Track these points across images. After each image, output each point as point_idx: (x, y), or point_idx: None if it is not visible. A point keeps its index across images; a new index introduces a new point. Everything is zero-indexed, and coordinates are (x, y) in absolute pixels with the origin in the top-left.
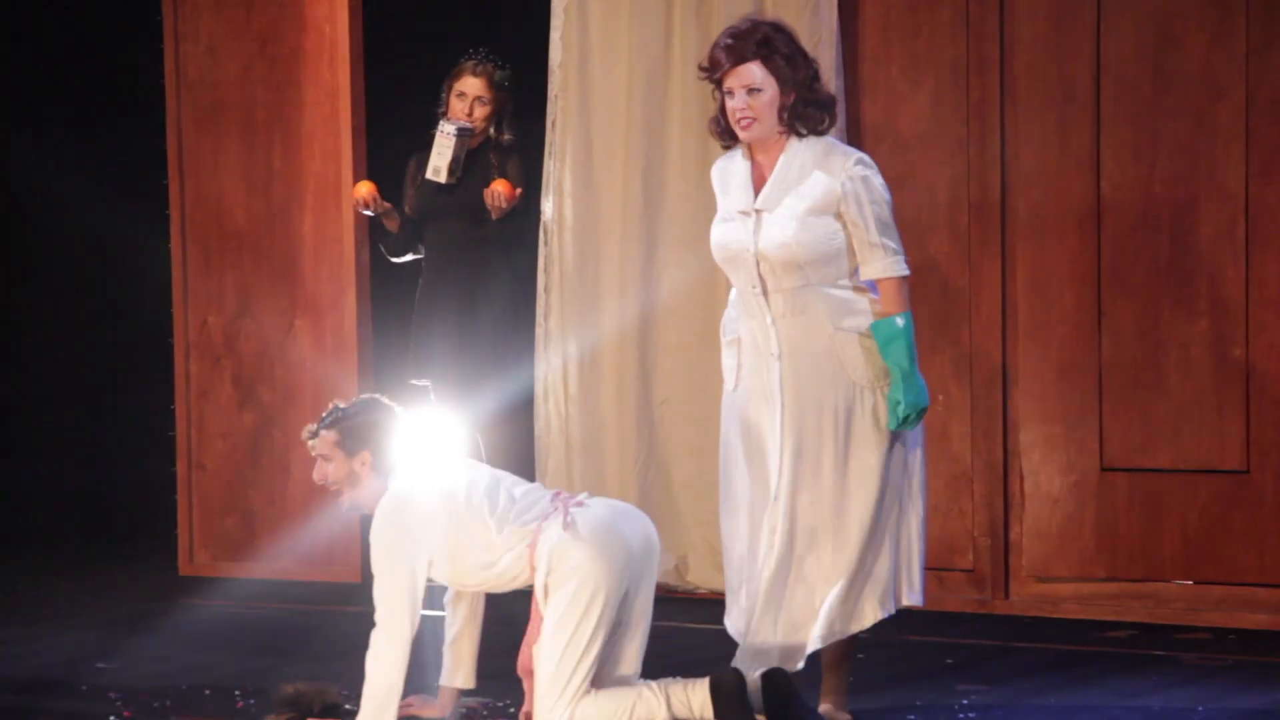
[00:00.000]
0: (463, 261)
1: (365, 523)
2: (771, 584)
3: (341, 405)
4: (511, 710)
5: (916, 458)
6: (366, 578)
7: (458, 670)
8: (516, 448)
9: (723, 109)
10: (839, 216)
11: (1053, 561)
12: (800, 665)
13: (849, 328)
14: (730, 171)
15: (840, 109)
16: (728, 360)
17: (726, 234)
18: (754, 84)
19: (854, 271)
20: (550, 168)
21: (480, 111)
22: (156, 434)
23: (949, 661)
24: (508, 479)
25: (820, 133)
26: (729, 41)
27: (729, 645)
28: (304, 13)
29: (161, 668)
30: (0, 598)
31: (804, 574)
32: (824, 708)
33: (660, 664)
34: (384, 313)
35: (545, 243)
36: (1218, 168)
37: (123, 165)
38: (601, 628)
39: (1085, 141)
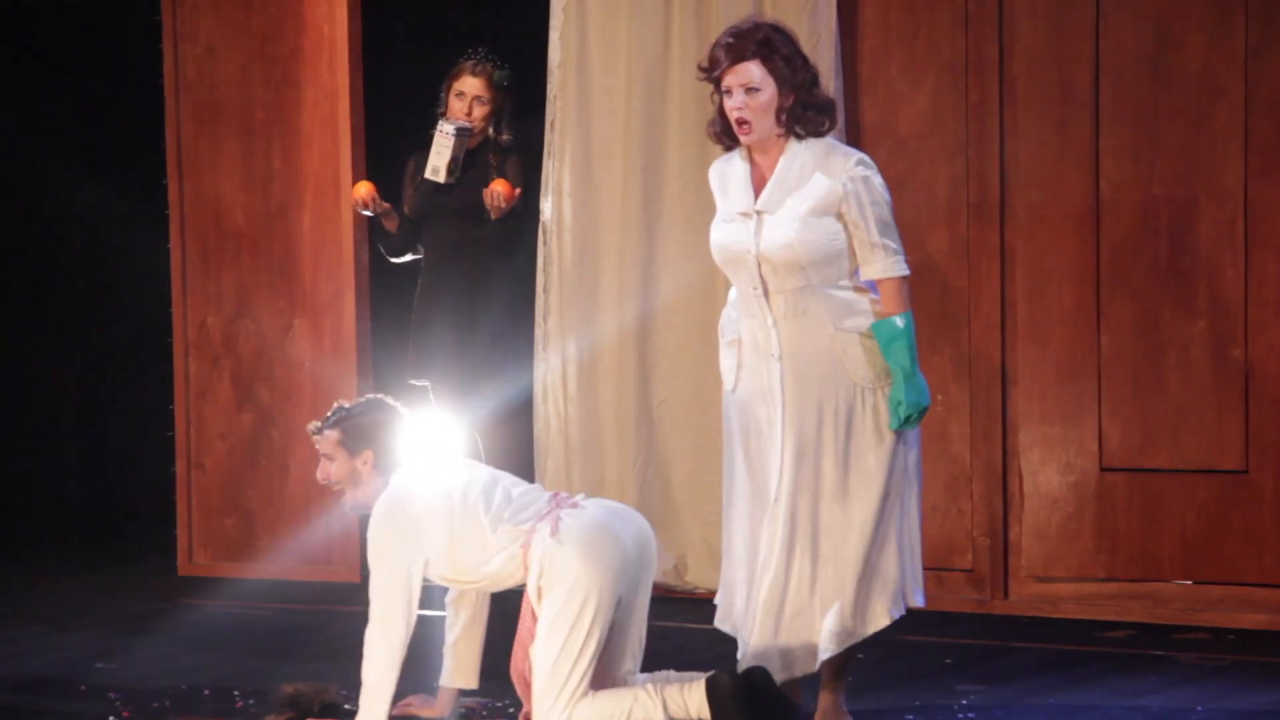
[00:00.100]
0: (462, 262)
1: (364, 523)
2: (773, 587)
3: (345, 405)
4: (511, 710)
5: (915, 458)
6: (366, 578)
7: (459, 671)
8: (516, 448)
9: (721, 110)
10: (840, 217)
11: (1052, 561)
12: (814, 668)
13: (850, 328)
14: (729, 173)
15: (839, 109)
16: (727, 361)
17: (727, 235)
18: (752, 83)
19: (854, 272)
20: (549, 168)
21: (479, 111)
22: (155, 434)
23: (948, 661)
24: (507, 479)
25: (820, 135)
26: (729, 40)
27: (728, 646)
28: (303, 13)
29: (161, 668)
30: None
31: (806, 576)
32: (822, 707)
33: (659, 664)
34: (383, 313)
35: (544, 243)
36: (1217, 168)
37: (122, 165)
38: (596, 629)
39: (1084, 142)
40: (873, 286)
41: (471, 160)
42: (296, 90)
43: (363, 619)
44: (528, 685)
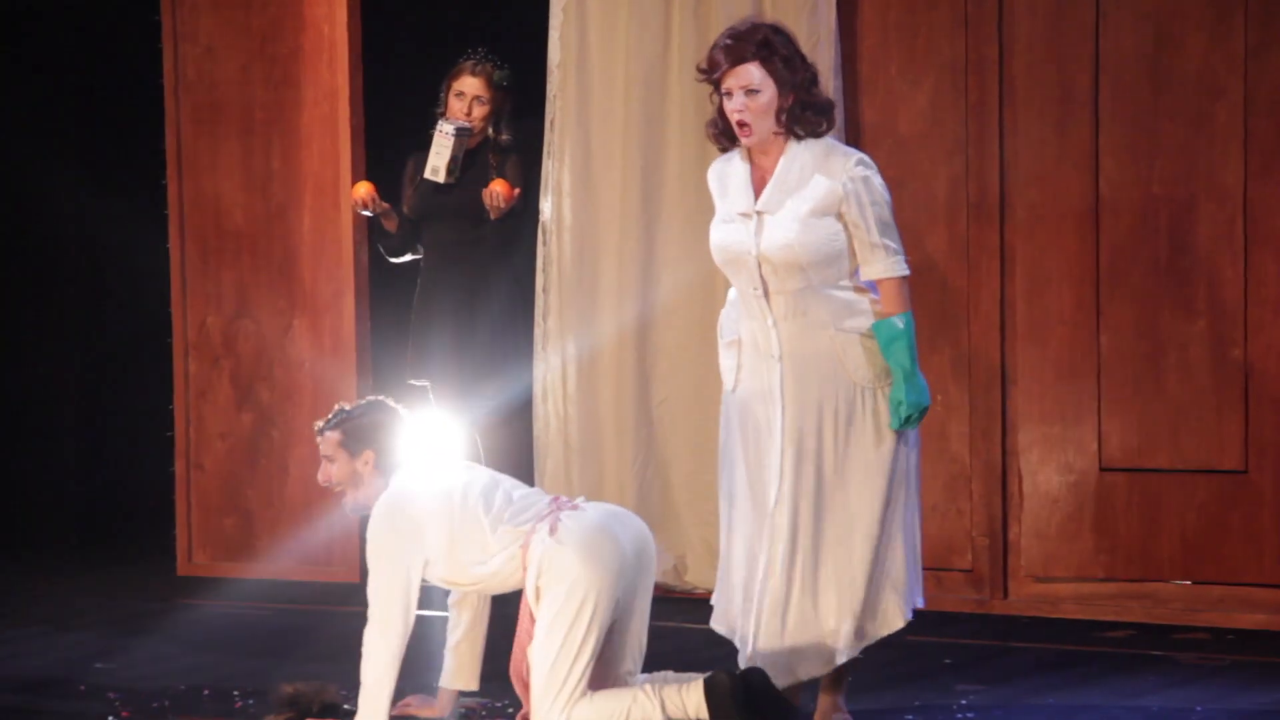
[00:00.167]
0: (461, 262)
1: (364, 523)
2: (777, 590)
3: (346, 407)
4: (510, 710)
5: (914, 458)
6: (365, 578)
7: (459, 673)
8: (515, 448)
9: (720, 111)
10: (840, 217)
11: (1051, 562)
12: (824, 671)
13: (850, 329)
14: (728, 174)
15: (839, 109)
16: (726, 361)
17: (727, 236)
18: (752, 85)
19: (854, 272)
20: (549, 168)
21: (479, 111)
22: (155, 434)
23: (947, 661)
24: (507, 481)
25: (819, 136)
26: (728, 42)
27: (726, 646)
28: (303, 13)
29: (160, 668)
30: None
31: (810, 578)
32: (822, 707)
33: (658, 664)
34: (382, 313)
35: (544, 243)
36: (1216, 168)
37: (121, 165)
38: (594, 630)
39: (1084, 141)
40: (872, 287)
41: (471, 160)
42: (296, 90)
43: (362, 619)
44: (526, 686)
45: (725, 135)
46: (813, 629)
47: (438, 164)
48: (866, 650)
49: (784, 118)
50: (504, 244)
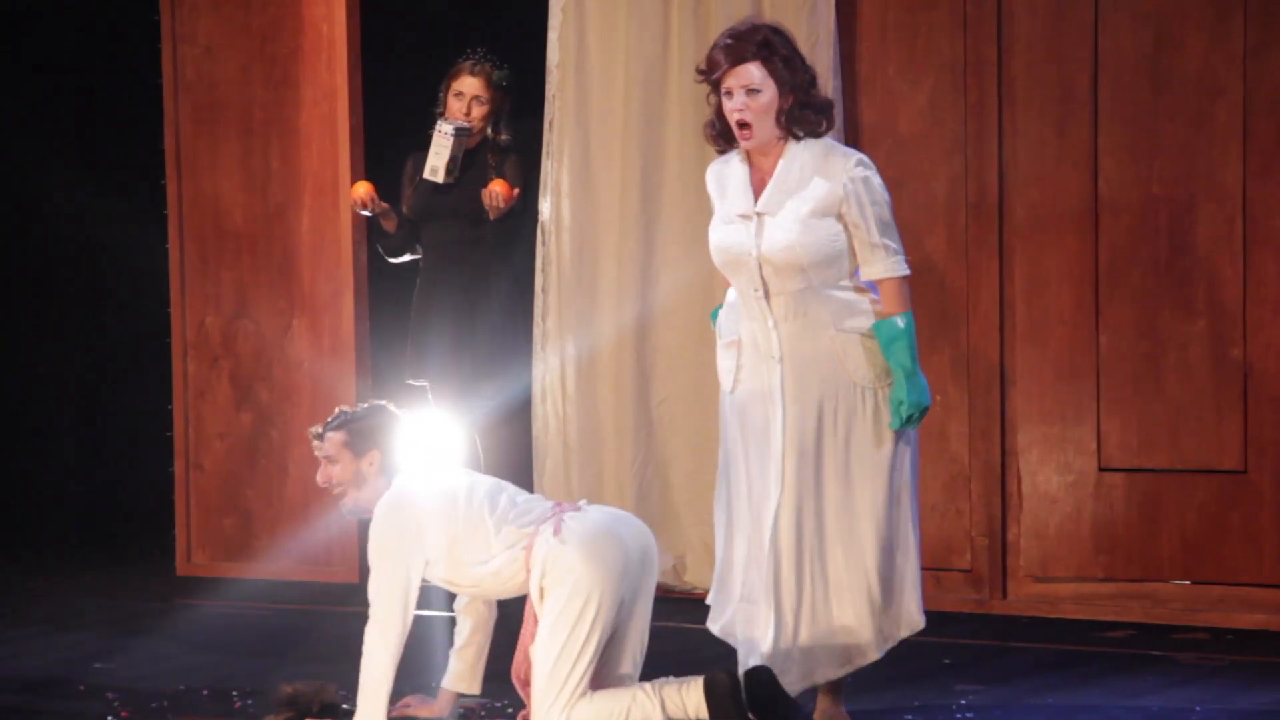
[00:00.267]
0: (460, 262)
1: (363, 523)
2: (787, 592)
3: (347, 409)
4: (510, 710)
5: (913, 459)
6: (364, 578)
7: (462, 675)
8: (514, 448)
9: (719, 112)
10: (840, 218)
11: (1050, 562)
12: (839, 675)
13: (850, 329)
14: (727, 175)
15: (838, 109)
16: (725, 362)
17: (728, 237)
18: (753, 84)
19: (854, 272)
20: (548, 168)
21: (478, 111)
22: (154, 434)
23: (947, 661)
24: (510, 486)
25: (818, 136)
26: (728, 42)
27: (725, 646)
28: (302, 13)
29: (159, 668)
30: None
31: (821, 579)
32: (821, 707)
33: (657, 664)
34: (382, 313)
35: (543, 243)
36: (1216, 168)
37: (121, 165)
38: (596, 631)
39: (1083, 141)
40: (872, 287)
41: (470, 160)
42: (295, 90)
43: (361, 619)
44: (526, 686)
45: (723, 136)
46: (827, 631)
47: (437, 164)
48: None
49: (783, 118)
50: (503, 244)
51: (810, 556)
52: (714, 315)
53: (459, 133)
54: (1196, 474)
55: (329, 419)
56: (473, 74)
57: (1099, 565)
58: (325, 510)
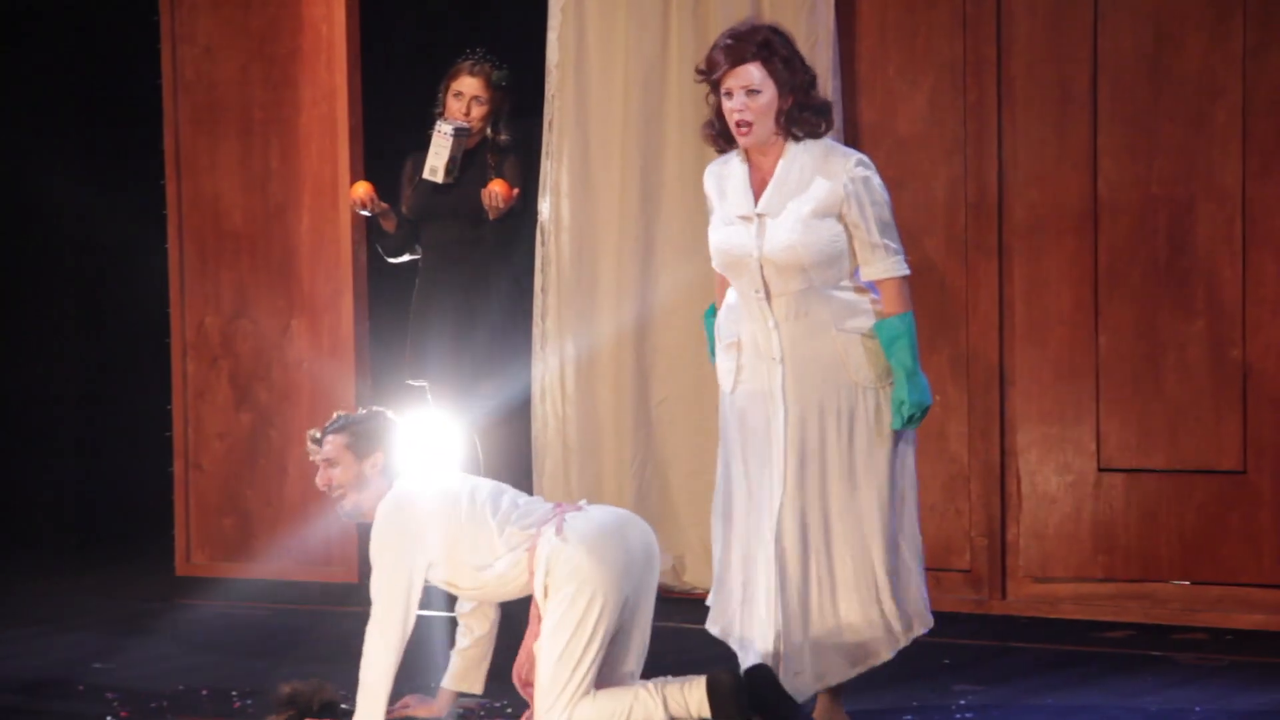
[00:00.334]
0: (460, 262)
1: (363, 524)
2: (794, 595)
3: (347, 414)
4: (510, 710)
5: (913, 458)
6: (363, 578)
7: (464, 676)
8: (514, 448)
9: (718, 112)
10: (841, 218)
11: (1050, 562)
12: (850, 676)
13: (851, 329)
14: (726, 176)
15: (837, 109)
16: (725, 363)
17: (729, 238)
18: (753, 85)
19: (854, 272)
20: (547, 168)
21: (477, 111)
22: (153, 434)
23: (946, 662)
24: (510, 489)
25: (817, 137)
26: (728, 42)
27: (724, 646)
28: (301, 13)
29: (159, 668)
30: None
31: (828, 580)
32: (821, 707)
33: (656, 664)
34: (381, 313)
35: (542, 243)
36: (1215, 168)
37: (120, 165)
38: (600, 630)
39: (1082, 142)
40: (872, 287)
41: (470, 160)
42: (295, 90)
43: (360, 620)
44: (526, 686)
45: (723, 137)
46: (837, 632)
47: (436, 164)
48: None
49: (783, 119)
50: (502, 244)
51: (816, 558)
52: (707, 315)
53: (458, 133)
54: (1195, 474)
55: (328, 423)
56: (472, 74)
57: (1098, 565)
58: (324, 510)
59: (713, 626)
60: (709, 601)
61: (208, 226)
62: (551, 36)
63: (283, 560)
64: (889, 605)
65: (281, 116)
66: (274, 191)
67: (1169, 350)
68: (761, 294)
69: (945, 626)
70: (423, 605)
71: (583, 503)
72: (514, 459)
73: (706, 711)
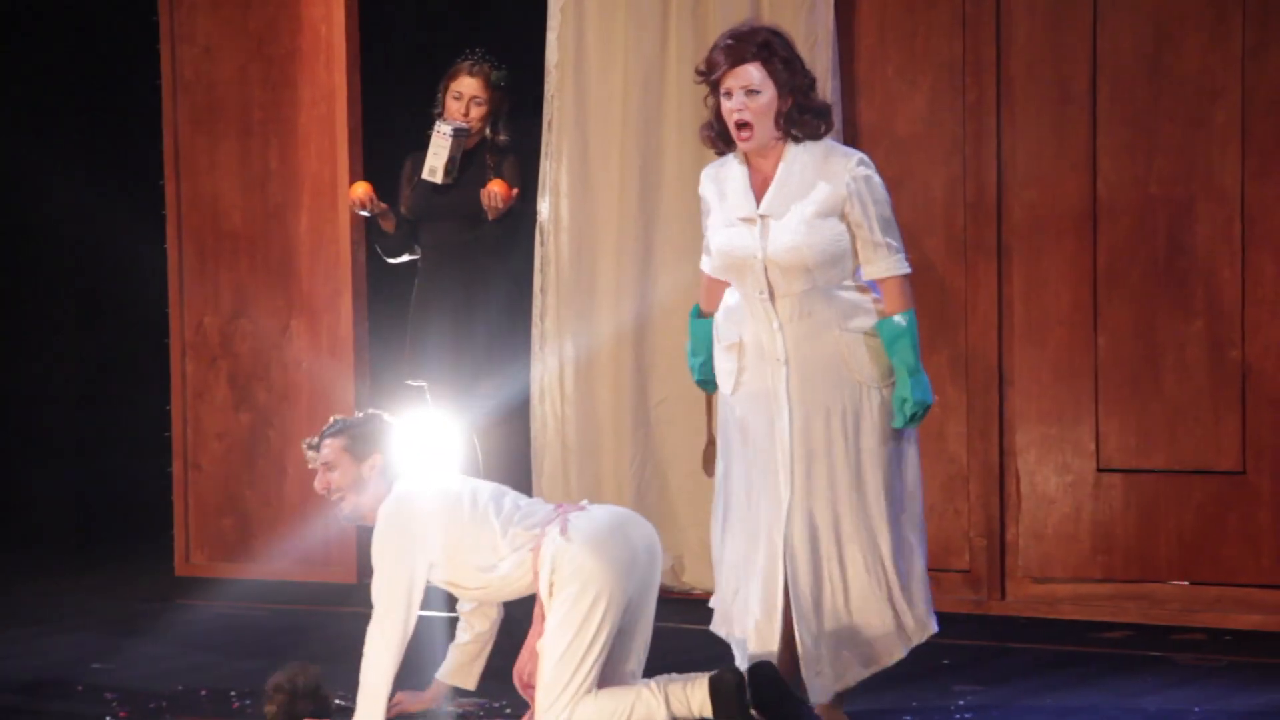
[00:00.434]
0: (459, 262)
1: (362, 526)
2: (806, 597)
3: (344, 418)
4: (509, 711)
5: (916, 457)
6: (362, 579)
7: (459, 670)
8: (513, 449)
9: (717, 114)
10: (843, 218)
11: (1049, 562)
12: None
13: (854, 328)
14: (725, 178)
15: (836, 109)
16: (725, 364)
17: (732, 240)
18: (752, 85)
19: (855, 271)
20: (546, 168)
21: (476, 112)
22: (152, 434)
23: (945, 662)
24: (511, 491)
25: (817, 138)
26: (728, 43)
27: (724, 646)
28: (300, 13)
29: (158, 668)
30: None
31: (836, 580)
32: (819, 708)
33: (656, 664)
34: (380, 313)
35: (541, 243)
36: (1214, 168)
37: (119, 166)
38: (604, 629)
39: (1082, 142)
40: (872, 286)
41: (469, 160)
42: (294, 91)
43: (359, 620)
44: (526, 687)
45: (721, 138)
46: (851, 633)
47: (435, 164)
48: None
49: (782, 120)
50: (501, 244)
51: (827, 559)
52: (692, 314)
53: (457, 133)
54: (1194, 474)
55: (324, 428)
56: (471, 74)
57: (1097, 566)
58: (323, 511)
59: (718, 629)
60: (713, 603)
61: (207, 227)
62: (551, 37)
63: (282, 561)
64: (900, 603)
65: (281, 117)
66: (273, 192)
67: (1168, 350)
68: (765, 295)
69: (945, 626)
70: (423, 605)
71: (584, 502)
72: (513, 459)
73: (709, 711)
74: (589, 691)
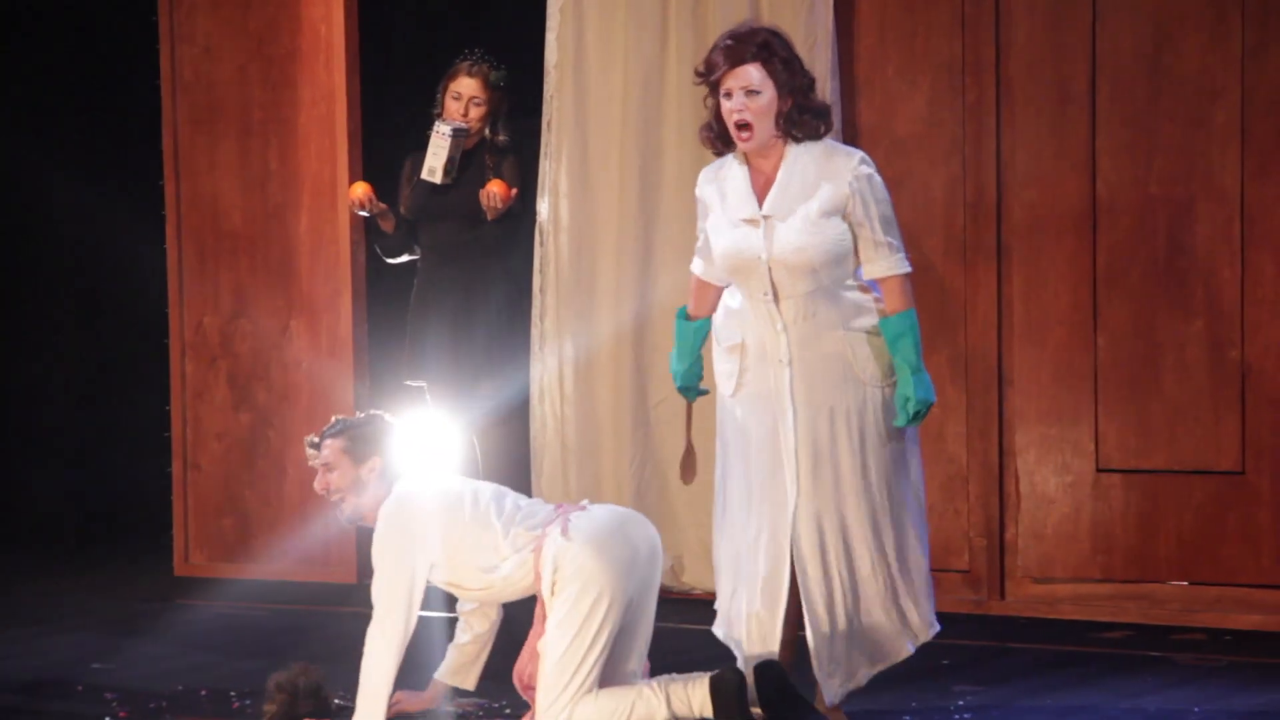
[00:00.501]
0: (458, 262)
1: (361, 527)
2: (816, 597)
3: (344, 418)
4: (509, 711)
5: (918, 456)
6: (362, 579)
7: (458, 670)
8: (512, 449)
9: (716, 115)
10: (846, 217)
11: (1048, 562)
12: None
13: (857, 328)
14: (725, 179)
15: (836, 110)
16: (726, 365)
17: (736, 242)
18: (752, 85)
19: (856, 271)
20: (546, 168)
21: (475, 112)
22: (152, 434)
23: (945, 662)
24: (511, 492)
25: (817, 139)
26: (728, 43)
27: (723, 646)
28: (300, 13)
29: (157, 668)
30: None
31: (845, 580)
32: (819, 708)
33: (656, 664)
34: (379, 314)
35: (541, 244)
36: (1214, 168)
37: (119, 166)
38: (605, 629)
39: (1081, 142)
40: (873, 285)
41: (468, 161)
42: (293, 91)
43: (360, 620)
44: (526, 688)
45: (721, 139)
46: (860, 631)
47: (435, 165)
48: None
49: (782, 120)
50: (501, 245)
51: (836, 559)
52: (679, 316)
53: (457, 133)
54: (1194, 475)
55: (325, 428)
56: (470, 75)
57: (1097, 566)
58: (323, 511)
59: (718, 630)
60: (716, 605)
61: (206, 227)
62: (550, 37)
63: (281, 561)
64: (906, 601)
65: (280, 117)
66: (273, 192)
67: (1168, 350)
68: (769, 296)
69: (945, 626)
70: (423, 606)
71: (585, 502)
72: (512, 459)
73: (709, 711)
74: (589, 691)
